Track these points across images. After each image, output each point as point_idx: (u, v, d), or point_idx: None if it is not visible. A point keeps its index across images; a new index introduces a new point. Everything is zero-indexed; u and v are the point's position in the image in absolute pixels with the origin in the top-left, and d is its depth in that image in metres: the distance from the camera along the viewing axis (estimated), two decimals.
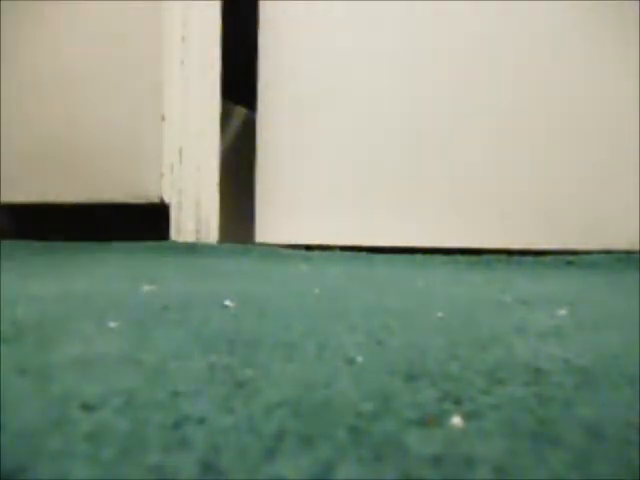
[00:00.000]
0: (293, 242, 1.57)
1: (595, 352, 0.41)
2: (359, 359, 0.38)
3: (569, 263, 1.24)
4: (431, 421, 0.27)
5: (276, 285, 0.84)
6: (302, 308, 0.60)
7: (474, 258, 1.31)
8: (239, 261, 1.31)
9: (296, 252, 1.44)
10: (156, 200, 1.62)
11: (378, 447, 0.24)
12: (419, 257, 1.36)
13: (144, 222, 1.62)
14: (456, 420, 0.27)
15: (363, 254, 1.40)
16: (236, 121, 1.92)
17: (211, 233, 1.61)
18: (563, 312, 0.59)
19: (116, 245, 1.52)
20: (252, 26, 1.65)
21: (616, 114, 1.39)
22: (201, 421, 0.26)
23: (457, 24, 1.49)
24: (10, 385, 0.31)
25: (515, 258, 1.30)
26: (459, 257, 1.32)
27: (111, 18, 1.68)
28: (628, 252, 1.29)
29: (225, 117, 1.70)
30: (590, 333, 0.49)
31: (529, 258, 1.29)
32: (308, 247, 1.52)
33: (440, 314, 0.56)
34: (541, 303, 0.66)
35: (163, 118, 1.61)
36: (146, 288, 0.73)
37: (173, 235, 1.60)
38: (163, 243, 1.54)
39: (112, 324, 0.48)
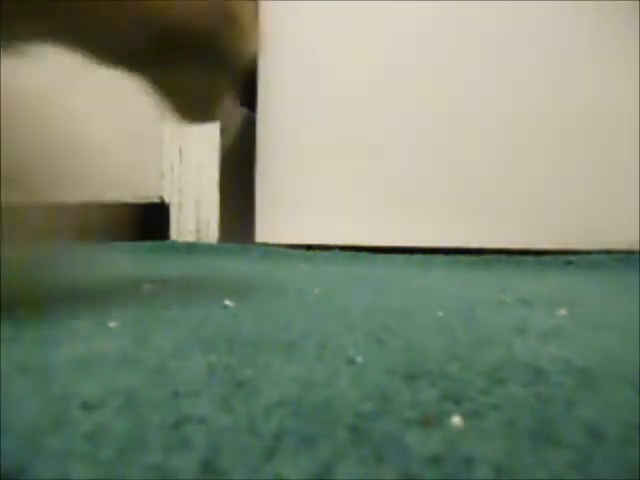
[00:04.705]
0: (293, 242, 1.57)
1: (595, 352, 0.41)
2: (359, 359, 0.38)
3: (569, 263, 1.24)
4: (431, 421, 0.26)
5: (276, 285, 0.84)
6: (302, 308, 0.60)
7: (474, 258, 1.31)
8: (239, 261, 1.31)
9: (296, 252, 1.44)
10: (156, 200, 1.63)
11: (378, 447, 0.24)
12: (419, 257, 1.36)
13: (144, 222, 1.62)
14: (456, 420, 0.27)
15: (363, 254, 1.40)
16: (236, 121, 1.92)
17: (211, 233, 1.61)
18: (563, 312, 0.59)
19: (116, 245, 1.52)
20: None
21: (616, 114, 1.39)
22: (201, 421, 0.26)
23: (457, 25, 1.49)
24: (10, 385, 0.31)
25: (515, 258, 1.30)
26: (459, 257, 1.32)
27: None
28: (628, 252, 1.29)
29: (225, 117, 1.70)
30: (590, 333, 0.49)
31: (529, 258, 1.29)
32: (308, 247, 1.52)
33: (440, 314, 0.56)
34: (541, 303, 0.66)
35: (163, 118, 1.61)
36: (146, 288, 0.73)
37: (173, 235, 1.60)
38: (163, 243, 1.55)
39: (112, 324, 0.48)
